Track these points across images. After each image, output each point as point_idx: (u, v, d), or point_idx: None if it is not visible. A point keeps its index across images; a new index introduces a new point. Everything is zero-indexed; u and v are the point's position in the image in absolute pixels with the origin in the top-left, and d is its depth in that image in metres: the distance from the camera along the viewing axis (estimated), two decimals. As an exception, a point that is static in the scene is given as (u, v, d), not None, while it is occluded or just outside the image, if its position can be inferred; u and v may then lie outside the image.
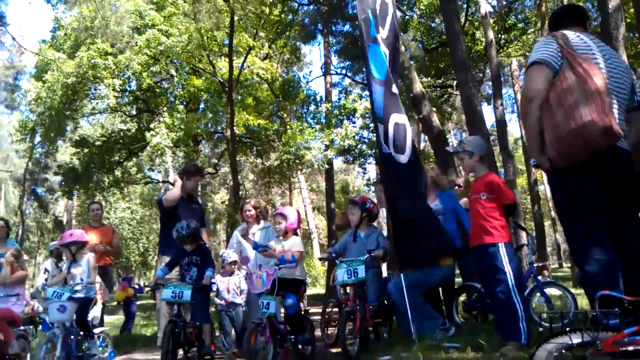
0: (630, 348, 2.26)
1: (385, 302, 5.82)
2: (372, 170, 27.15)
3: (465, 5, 17.46)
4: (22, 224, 33.37)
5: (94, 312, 6.17)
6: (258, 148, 22.15)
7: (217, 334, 6.55)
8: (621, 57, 6.30)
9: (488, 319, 5.47)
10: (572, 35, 3.25)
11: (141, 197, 34.20)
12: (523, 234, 9.74)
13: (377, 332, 5.70)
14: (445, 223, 5.41)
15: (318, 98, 20.93)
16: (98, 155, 20.12)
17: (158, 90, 20.22)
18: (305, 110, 20.79)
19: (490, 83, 19.41)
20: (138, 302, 12.54)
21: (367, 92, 20.56)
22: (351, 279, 5.11)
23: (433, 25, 19.25)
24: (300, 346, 5.48)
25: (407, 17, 18.92)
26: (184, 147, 19.07)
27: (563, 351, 2.48)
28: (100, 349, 5.67)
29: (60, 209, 41.39)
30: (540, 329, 4.38)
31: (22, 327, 6.05)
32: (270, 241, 6.27)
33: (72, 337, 5.18)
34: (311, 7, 20.83)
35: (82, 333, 5.40)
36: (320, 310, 8.13)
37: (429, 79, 18.45)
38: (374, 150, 18.88)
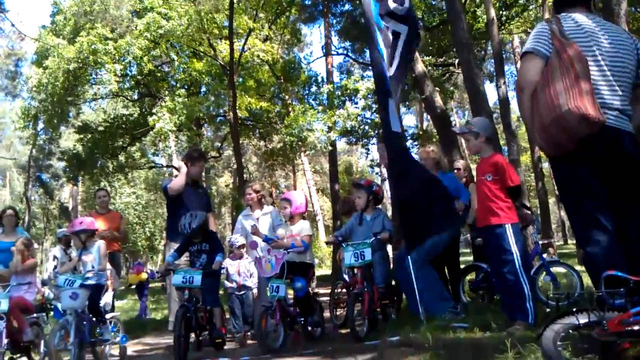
0: (636, 327, 2.28)
1: (393, 283, 5.90)
2: (375, 151, 27.13)
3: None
4: (28, 210, 33.51)
5: (106, 298, 6.25)
6: (261, 130, 22.11)
7: (227, 316, 6.65)
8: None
9: (494, 298, 5.54)
10: (568, 20, 3.21)
11: (146, 181, 34.27)
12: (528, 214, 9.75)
13: (385, 314, 5.79)
14: None
15: (319, 79, 20.86)
16: (101, 140, 20.10)
17: (159, 74, 20.13)
18: (307, 92, 20.69)
19: (493, 61, 19.24)
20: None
21: (368, 73, 20.49)
22: (358, 262, 5.18)
23: (434, 2, 19.04)
24: (309, 328, 5.58)
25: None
26: (187, 131, 19.05)
27: (570, 331, 2.52)
28: (112, 333, 5.76)
29: (65, 195, 41.59)
30: (547, 310, 4.44)
31: (34, 315, 6.15)
32: (274, 225, 6.34)
33: (84, 323, 5.26)
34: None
35: (94, 319, 5.49)
36: (327, 291, 8.22)
37: (431, 57, 18.32)
38: (377, 131, 18.81)
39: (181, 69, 19.55)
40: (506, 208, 4.04)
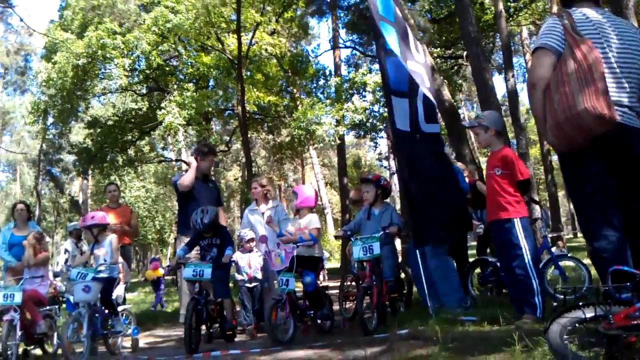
0: (642, 321, 2.31)
1: (402, 276, 5.94)
2: (383, 144, 27.10)
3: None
4: (38, 204, 33.79)
5: (118, 291, 6.34)
6: (269, 124, 22.14)
7: (237, 309, 6.71)
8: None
9: (503, 292, 5.57)
10: (578, 14, 3.19)
11: (155, 175, 34.49)
12: (537, 208, 9.75)
13: (394, 307, 5.82)
14: None
15: (327, 72, 20.83)
16: (111, 134, 20.22)
17: (167, 68, 20.18)
18: (315, 85, 20.68)
19: (501, 53, 19.13)
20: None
21: (376, 66, 20.41)
22: (367, 256, 5.21)
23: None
24: (319, 321, 5.62)
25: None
26: (196, 125, 19.11)
27: (577, 325, 2.54)
28: (124, 325, 5.85)
29: (75, 189, 41.86)
30: (555, 304, 4.45)
31: (47, 307, 6.25)
32: (279, 220, 6.37)
33: (97, 315, 5.36)
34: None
35: (106, 311, 5.58)
36: (337, 284, 8.26)
37: (439, 49, 18.23)
38: (385, 125, 18.78)
39: (189, 63, 19.60)
40: (515, 202, 4.06)
